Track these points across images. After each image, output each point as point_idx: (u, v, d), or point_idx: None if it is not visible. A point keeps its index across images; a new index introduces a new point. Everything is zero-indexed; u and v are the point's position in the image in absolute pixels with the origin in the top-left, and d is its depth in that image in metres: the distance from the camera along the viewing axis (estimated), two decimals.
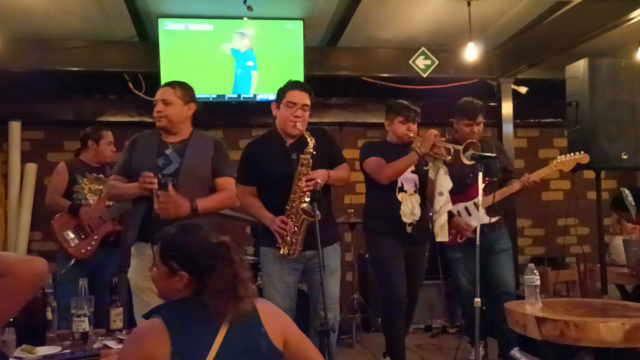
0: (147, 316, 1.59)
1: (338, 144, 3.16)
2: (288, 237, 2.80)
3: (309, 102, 2.96)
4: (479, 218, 3.07)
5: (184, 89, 2.83)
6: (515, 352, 3.56)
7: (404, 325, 3.54)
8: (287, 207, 2.84)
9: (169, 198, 2.59)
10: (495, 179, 3.68)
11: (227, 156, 2.92)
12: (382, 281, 3.48)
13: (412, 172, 3.48)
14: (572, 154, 3.52)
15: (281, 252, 2.83)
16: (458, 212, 3.64)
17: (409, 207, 3.42)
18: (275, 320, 1.66)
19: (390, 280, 3.42)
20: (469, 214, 3.64)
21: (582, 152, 3.48)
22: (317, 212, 2.63)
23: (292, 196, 2.83)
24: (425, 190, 3.52)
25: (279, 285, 2.90)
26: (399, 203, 3.41)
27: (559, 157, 3.55)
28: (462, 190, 3.61)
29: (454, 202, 3.48)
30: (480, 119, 3.65)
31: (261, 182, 2.99)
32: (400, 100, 3.65)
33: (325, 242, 2.74)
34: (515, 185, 3.60)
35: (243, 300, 1.56)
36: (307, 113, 2.97)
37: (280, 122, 2.99)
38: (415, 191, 3.48)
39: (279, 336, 1.63)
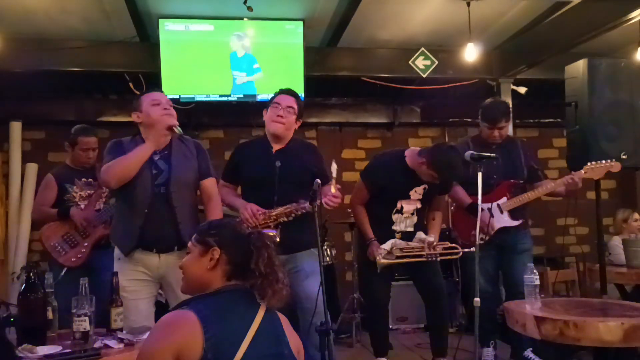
0: (174, 309, 1.55)
1: (324, 164, 3.08)
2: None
3: (294, 105, 3.03)
4: (479, 218, 3.04)
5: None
6: (529, 353, 3.50)
7: (387, 323, 3.80)
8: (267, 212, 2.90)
9: None
10: (521, 181, 3.61)
11: (208, 156, 2.92)
12: (363, 284, 3.58)
13: (419, 199, 3.43)
14: (603, 161, 3.43)
15: None
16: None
17: (401, 227, 3.43)
18: (292, 335, 1.70)
19: (371, 285, 3.49)
20: (492, 216, 3.54)
21: (613, 160, 3.43)
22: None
23: (273, 213, 2.88)
24: (424, 211, 3.49)
25: None
26: (392, 223, 3.42)
27: (589, 163, 3.44)
28: (486, 191, 3.43)
29: None
30: (502, 124, 3.56)
31: (242, 184, 3.12)
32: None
33: (300, 247, 2.86)
34: (557, 183, 3.51)
35: (281, 283, 1.63)
36: (292, 117, 3.02)
37: (266, 124, 3.06)
38: (412, 213, 3.44)
39: (295, 349, 1.66)
